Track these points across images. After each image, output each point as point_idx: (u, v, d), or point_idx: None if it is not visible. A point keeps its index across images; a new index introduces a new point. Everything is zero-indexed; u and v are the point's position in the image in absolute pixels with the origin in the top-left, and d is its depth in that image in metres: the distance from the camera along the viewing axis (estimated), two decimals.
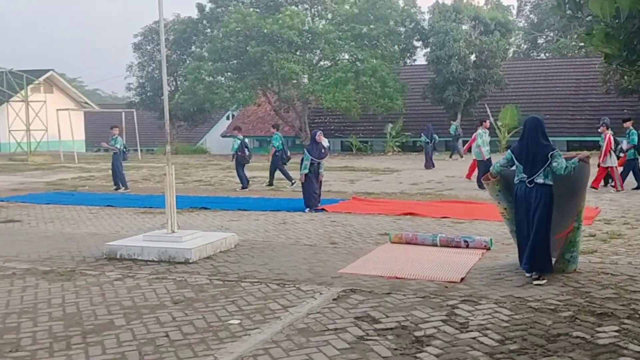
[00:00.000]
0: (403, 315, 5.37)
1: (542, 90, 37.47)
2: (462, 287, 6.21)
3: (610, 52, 4.86)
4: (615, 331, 4.87)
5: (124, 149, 16.19)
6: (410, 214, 11.10)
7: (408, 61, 37.54)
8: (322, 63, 35.79)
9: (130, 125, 33.43)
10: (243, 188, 15.78)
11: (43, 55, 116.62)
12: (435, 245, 8.13)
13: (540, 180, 6.32)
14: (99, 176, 20.30)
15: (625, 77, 28.52)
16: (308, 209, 11.79)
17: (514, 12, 46.00)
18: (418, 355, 4.48)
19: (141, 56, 42.07)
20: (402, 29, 35.14)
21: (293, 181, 15.90)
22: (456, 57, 31.09)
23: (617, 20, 4.57)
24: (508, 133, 33.26)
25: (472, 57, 32.61)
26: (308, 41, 33.29)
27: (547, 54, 50.82)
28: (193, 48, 40.47)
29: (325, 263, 7.40)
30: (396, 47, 34.92)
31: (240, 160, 16.04)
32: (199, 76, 33.33)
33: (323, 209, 11.76)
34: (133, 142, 33.72)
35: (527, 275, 6.45)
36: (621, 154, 14.78)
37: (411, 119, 35.58)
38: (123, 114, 33.79)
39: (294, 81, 34.10)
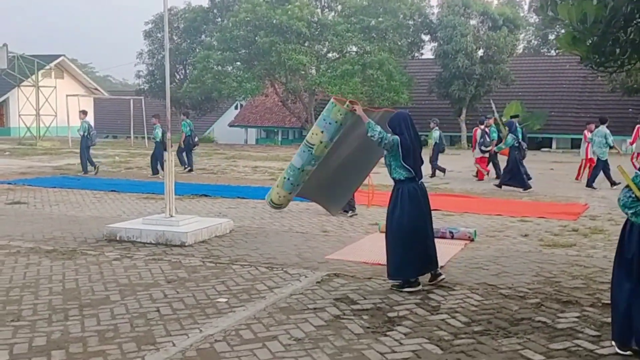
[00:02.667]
0: (380, 298, 5.71)
1: (548, 87, 37.60)
2: (440, 275, 6.53)
3: (579, 54, 5.17)
4: (576, 317, 5.19)
5: (87, 134, 16.96)
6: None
7: (415, 55, 37.69)
8: (330, 55, 36.07)
9: (139, 113, 33.84)
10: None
11: (56, 42, 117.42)
12: None
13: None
14: (105, 162, 20.71)
15: (632, 77, 28.65)
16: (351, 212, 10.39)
17: (526, 7, 46.01)
18: (388, 333, 4.82)
19: (151, 44, 42.41)
20: (411, 23, 35.31)
21: (187, 167, 17.80)
22: (463, 52, 31.27)
23: (584, 25, 4.87)
24: None
25: (479, 53, 32.80)
26: (317, 32, 33.56)
27: (557, 51, 50.79)
28: (203, 37, 40.78)
29: (314, 249, 7.75)
30: (404, 40, 35.11)
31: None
32: (207, 65, 33.66)
33: None
34: (141, 129, 34.19)
35: None
36: (483, 147, 16.14)
37: (417, 113, 35.72)
38: (132, 101, 34.20)
39: (302, 72, 34.38)
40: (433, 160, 16.92)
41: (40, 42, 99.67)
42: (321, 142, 6.19)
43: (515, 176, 14.19)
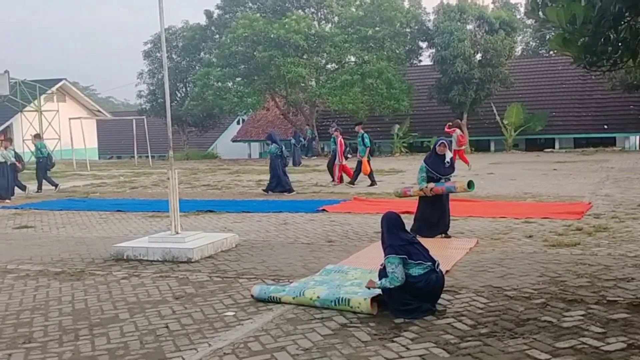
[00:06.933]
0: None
1: (547, 87, 37.65)
2: (445, 279, 6.57)
3: (570, 55, 5.24)
4: (582, 315, 5.23)
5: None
6: (408, 212, 11.44)
7: (414, 62, 37.82)
8: (328, 66, 36.24)
9: (142, 132, 34.02)
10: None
11: (56, 64, 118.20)
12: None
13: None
14: (110, 183, 20.84)
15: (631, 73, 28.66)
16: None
17: (522, 10, 46.10)
18: (395, 339, 4.87)
19: (151, 63, 42.71)
20: (408, 30, 35.46)
21: (40, 190, 17.83)
22: (461, 57, 31.36)
23: (573, 26, 4.94)
24: (515, 131, 33.50)
25: (477, 57, 32.88)
26: (314, 45, 33.74)
27: (555, 51, 50.88)
28: (202, 54, 41.02)
29: (320, 259, 7.80)
30: (402, 48, 35.27)
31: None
32: (207, 82, 33.84)
33: (324, 210, 12.16)
34: (144, 148, 34.34)
35: None
36: (349, 155, 17.83)
37: (418, 120, 35.89)
38: (134, 121, 34.37)
39: (302, 85, 34.54)
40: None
41: (40, 67, 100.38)
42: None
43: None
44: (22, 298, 6.47)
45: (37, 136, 18.59)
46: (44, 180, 18.10)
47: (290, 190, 15.67)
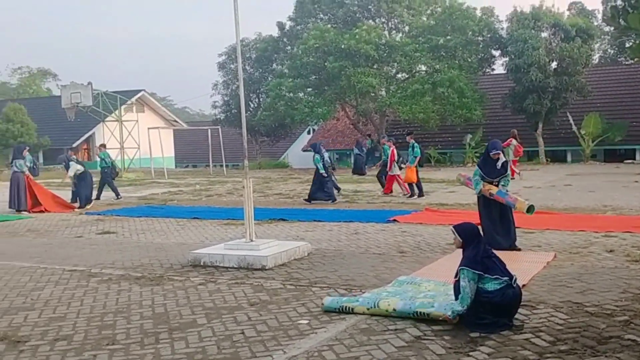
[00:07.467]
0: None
1: (627, 96, 36.16)
2: (522, 293, 6.43)
3: None
4: None
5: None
6: (480, 224, 11.25)
7: (487, 70, 37.17)
8: (399, 75, 36.11)
9: (216, 142, 34.87)
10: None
11: (135, 76, 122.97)
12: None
13: None
14: (186, 191, 21.46)
15: None
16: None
17: (599, 16, 44.58)
18: (471, 353, 4.80)
19: (225, 75, 43.74)
20: (480, 39, 34.92)
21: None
22: (536, 65, 30.60)
23: None
24: (592, 142, 32.36)
25: (553, 65, 31.97)
26: (385, 54, 33.71)
27: (635, 59, 48.85)
28: (274, 65, 41.72)
29: (392, 270, 7.78)
30: (474, 57, 34.75)
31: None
32: (279, 93, 34.36)
33: (395, 220, 12.12)
34: (219, 157, 35.19)
35: None
36: (402, 165, 17.81)
37: (491, 129, 35.15)
38: (209, 131, 35.30)
39: (372, 94, 34.55)
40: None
41: (121, 79, 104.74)
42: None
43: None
44: (105, 301, 6.76)
45: (102, 146, 19.40)
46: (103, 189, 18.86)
47: (328, 199, 16.10)
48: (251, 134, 41.50)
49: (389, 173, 17.80)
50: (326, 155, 17.30)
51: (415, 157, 16.80)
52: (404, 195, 17.25)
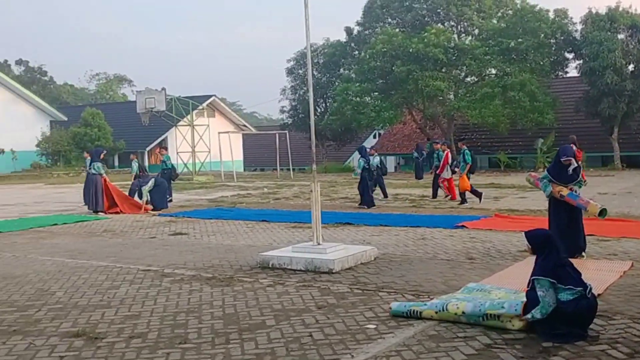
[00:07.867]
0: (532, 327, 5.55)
1: None
2: (598, 303, 6.22)
3: None
4: None
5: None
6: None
7: (559, 74, 36.12)
8: (468, 79, 35.62)
9: (284, 146, 35.28)
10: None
11: (206, 82, 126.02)
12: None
13: None
14: (255, 194, 21.81)
15: None
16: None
17: None
18: None
19: (293, 80, 44.29)
20: (553, 41, 34.00)
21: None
22: (611, 68, 29.53)
23: None
24: None
25: (630, 68, 30.80)
26: (454, 58, 33.33)
27: None
28: (341, 70, 41.93)
29: (461, 277, 7.67)
30: (546, 59, 33.84)
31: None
32: (346, 97, 34.50)
33: (463, 226, 11.95)
34: (285, 161, 35.60)
35: None
36: (456, 169, 17.23)
37: (564, 134, 34.00)
38: (277, 135, 35.78)
39: (440, 98, 34.20)
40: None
41: (192, 84, 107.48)
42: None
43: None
44: (177, 301, 6.95)
45: (164, 149, 20.12)
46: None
47: (369, 205, 16.11)
48: (318, 138, 41.78)
49: (440, 175, 17.75)
50: (376, 160, 17.39)
51: (466, 163, 16.65)
52: (446, 197, 17.50)
